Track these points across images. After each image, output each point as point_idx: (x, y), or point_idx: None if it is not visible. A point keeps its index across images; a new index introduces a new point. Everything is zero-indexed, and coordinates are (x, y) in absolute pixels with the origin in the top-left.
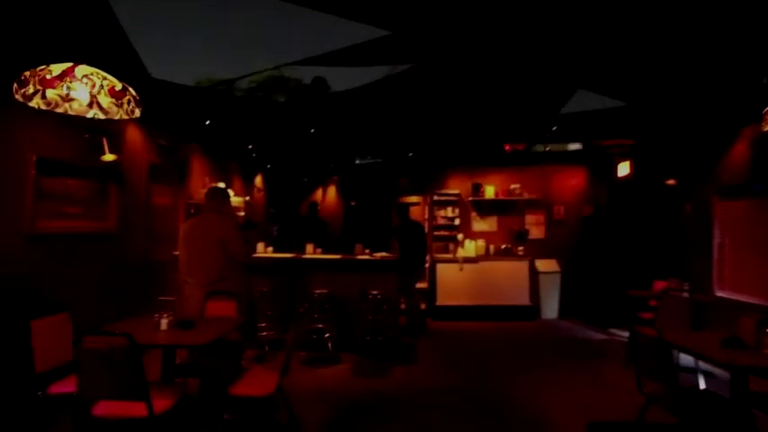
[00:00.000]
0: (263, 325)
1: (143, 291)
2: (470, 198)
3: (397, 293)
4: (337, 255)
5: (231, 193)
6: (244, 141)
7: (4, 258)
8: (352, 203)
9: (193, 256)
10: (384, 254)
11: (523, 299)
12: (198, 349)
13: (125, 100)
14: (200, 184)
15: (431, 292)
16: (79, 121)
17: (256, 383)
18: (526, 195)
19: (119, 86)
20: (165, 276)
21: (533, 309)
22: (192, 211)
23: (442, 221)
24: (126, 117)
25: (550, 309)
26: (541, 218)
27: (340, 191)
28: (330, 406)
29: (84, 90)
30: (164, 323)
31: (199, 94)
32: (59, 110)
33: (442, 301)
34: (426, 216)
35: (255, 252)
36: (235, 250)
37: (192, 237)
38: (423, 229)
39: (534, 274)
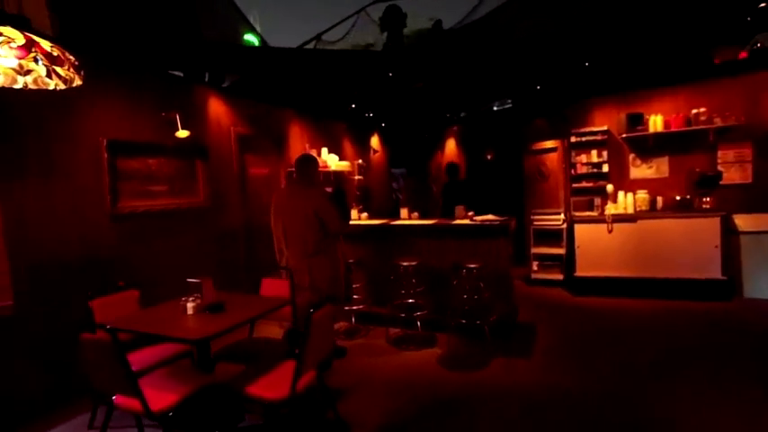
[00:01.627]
0: (356, 297)
1: (246, 260)
2: (624, 135)
3: (504, 266)
4: (433, 219)
5: (334, 158)
6: (348, 100)
7: (90, 240)
8: (489, 157)
9: (290, 228)
10: (490, 216)
11: (712, 270)
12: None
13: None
14: (300, 150)
15: (569, 259)
16: (153, 99)
17: (274, 383)
18: (719, 122)
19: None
20: (264, 244)
21: (728, 284)
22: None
23: (582, 170)
24: (63, 87)
25: (759, 285)
26: (746, 152)
27: (461, 144)
28: (399, 400)
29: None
30: (190, 307)
31: (291, 55)
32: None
33: (583, 271)
34: (563, 164)
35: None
36: (330, 221)
37: (285, 209)
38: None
39: (730, 234)
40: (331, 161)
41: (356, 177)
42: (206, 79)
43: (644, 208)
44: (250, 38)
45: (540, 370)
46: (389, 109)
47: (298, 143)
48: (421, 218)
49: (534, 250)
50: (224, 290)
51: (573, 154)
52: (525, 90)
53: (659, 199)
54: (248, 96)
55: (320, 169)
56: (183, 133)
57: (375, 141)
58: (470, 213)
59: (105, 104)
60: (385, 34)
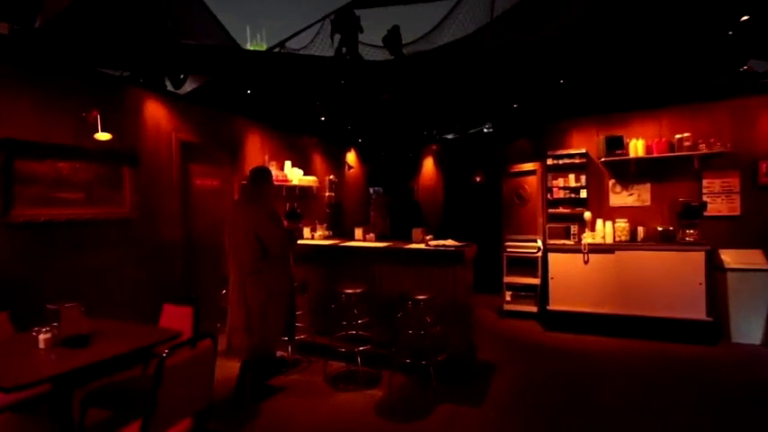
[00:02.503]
0: (298, 325)
1: (184, 279)
2: (604, 159)
3: (461, 297)
4: (386, 242)
5: (299, 172)
6: (314, 111)
7: None
8: (471, 178)
9: (231, 243)
10: (448, 242)
11: (696, 309)
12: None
13: None
14: (258, 162)
15: (543, 291)
16: (74, 98)
17: None
18: (704, 149)
19: None
20: (212, 263)
21: (714, 326)
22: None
23: (559, 194)
24: None
25: (747, 328)
26: (733, 182)
27: (438, 163)
28: None
29: None
30: (42, 340)
31: (251, 59)
32: None
33: (557, 304)
34: (541, 189)
35: (301, 238)
36: (269, 243)
37: (229, 225)
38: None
39: (716, 271)
40: (294, 175)
41: (326, 194)
42: (167, 82)
43: (623, 238)
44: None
45: (492, 425)
46: (363, 123)
47: (256, 155)
48: (380, 239)
49: (507, 279)
50: (137, 313)
51: (549, 177)
52: (503, 108)
53: (640, 229)
54: (200, 102)
55: (282, 183)
56: (102, 136)
57: (351, 157)
58: (428, 237)
59: (3, 99)
60: (337, 38)
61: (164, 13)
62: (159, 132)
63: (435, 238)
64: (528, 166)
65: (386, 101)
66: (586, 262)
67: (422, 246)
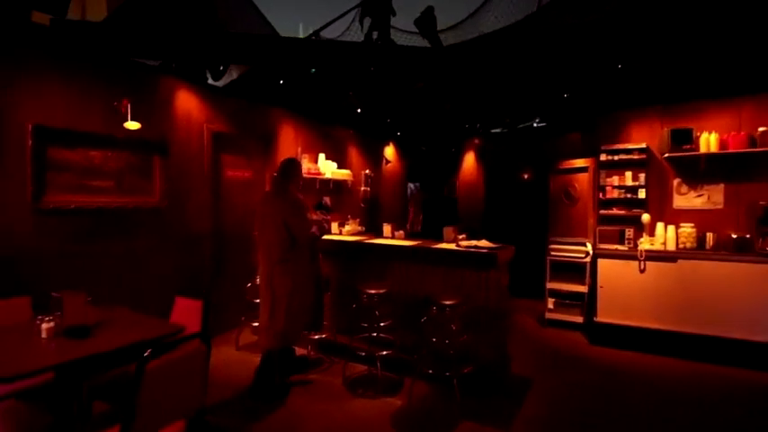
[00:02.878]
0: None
1: (214, 268)
2: (668, 154)
3: (493, 304)
4: (415, 241)
5: (332, 165)
6: (349, 102)
7: (4, 234)
8: (524, 176)
9: (260, 236)
10: (482, 242)
11: None
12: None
13: None
14: (291, 154)
15: (590, 299)
16: (106, 87)
17: None
18: None
19: None
20: (241, 255)
21: None
22: None
23: (613, 194)
24: None
25: None
26: None
27: (480, 158)
28: None
29: None
30: (44, 329)
31: (284, 46)
32: None
33: (606, 316)
34: (594, 187)
35: (329, 232)
36: (296, 231)
37: (259, 215)
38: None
39: None
40: (326, 168)
41: (362, 188)
42: (207, 74)
43: (689, 245)
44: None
45: None
46: (402, 116)
47: (289, 146)
48: (412, 237)
49: (550, 285)
50: (162, 303)
51: (603, 175)
52: (552, 100)
53: (709, 236)
54: (234, 93)
55: (315, 176)
56: (132, 125)
57: (390, 151)
58: (461, 237)
59: (34, 87)
60: (368, 22)
61: (212, 5)
62: (190, 123)
63: (470, 238)
64: (579, 163)
65: (424, 92)
66: (642, 270)
67: (452, 246)
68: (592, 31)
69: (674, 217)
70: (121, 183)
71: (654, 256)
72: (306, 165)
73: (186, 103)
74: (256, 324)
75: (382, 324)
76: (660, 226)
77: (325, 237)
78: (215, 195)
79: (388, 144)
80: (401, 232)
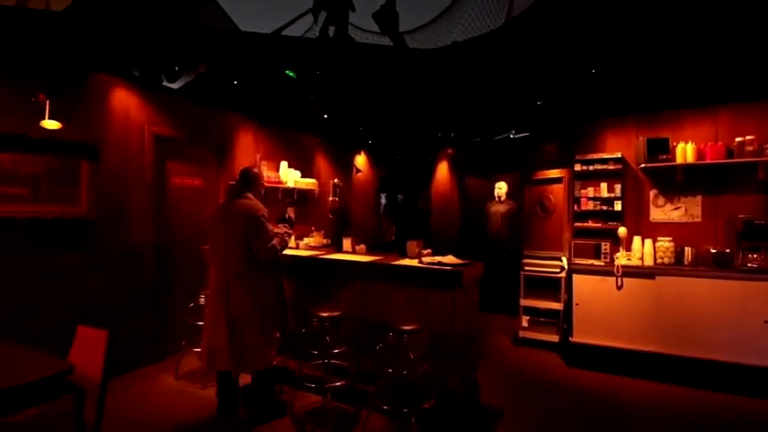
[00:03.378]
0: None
1: (155, 286)
2: (644, 165)
3: (459, 328)
4: (375, 256)
5: (295, 174)
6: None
7: None
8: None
9: (213, 248)
10: (447, 258)
11: (759, 354)
12: None
13: None
14: (249, 162)
15: (566, 318)
16: (23, 82)
17: None
18: None
19: None
20: (189, 270)
21: None
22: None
23: (588, 206)
24: None
25: None
26: None
27: (454, 168)
28: None
29: None
30: None
31: (242, 41)
32: None
33: (582, 335)
34: (567, 197)
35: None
36: (257, 245)
37: (213, 225)
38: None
39: None
40: (289, 177)
41: (330, 198)
42: (163, 76)
43: (667, 260)
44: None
45: None
46: (372, 123)
47: (247, 153)
48: (375, 252)
49: (524, 302)
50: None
51: (578, 186)
52: (525, 107)
53: (688, 250)
54: (184, 94)
55: (276, 185)
56: (50, 124)
57: (361, 160)
58: (426, 252)
59: None
60: (323, 17)
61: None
62: (129, 124)
63: (438, 253)
64: (554, 173)
65: (392, 97)
66: (620, 287)
67: (413, 262)
68: (566, 33)
69: (652, 230)
70: (38, 190)
71: (631, 271)
72: (266, 173)
73: (123, 102)
74: (199, 349)
75: (336, 351)
76: (637, 240)
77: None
78: (158, 205)
79: (360, 153)
80: (362, 246)
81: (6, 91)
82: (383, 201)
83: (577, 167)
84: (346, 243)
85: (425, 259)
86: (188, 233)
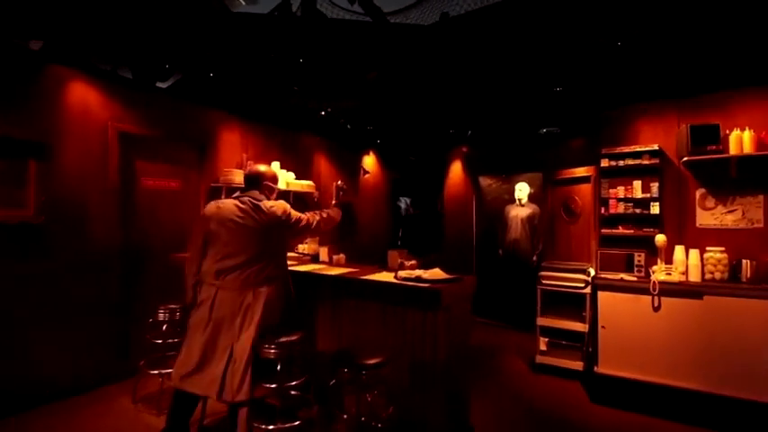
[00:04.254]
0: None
1: (123, 297)
2: (687, 158)
3: (442, 359)
4: (354, 267)
5: (289, 176)
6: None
7: None
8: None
9: (216, 251)
10: (433, 272)
11: None
12: None
13: None
14: (233, 163)
15: (591, 343)
16: None
17: None
18: None
19: None
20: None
21: None
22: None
23: (619, 208)
24: None
25: None
26: None
27: (468, 168)
28: None
29: None
30: None
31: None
32: None
33: (609, 366)
34: (593, 198)
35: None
36: (303, 224)
37: (214, 224)
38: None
39: None
40: (282, 179)
41: (333, 203)
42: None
43: (718, 276)
44: None
45: None
46: (377, 119)
47: (233, 153)
48: (358, 263)
49: (542, 321)
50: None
51: (605, 185)
52: (542, 94)
53: (746, 263)
54: (154, 88)
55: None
56: None
57: (370, 161)
58: (409, 263)
59: None
60: None
61: None
62: (88, 121)
63: (429, 265)
64: (580, 172)
65: (391, 87)
66: (657, 308)
67: (388, 278)
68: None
69: (698, 238)
70: None
71: (672, 289)
72: None
73: (82, 97)
74: (158, 371)
75: (294, 383)
76: (679, 250)
77: None
78: (126, 208)
79: (368, 153)
80: (341, 256)
81: None
82: (402, 205)
83: (604, 163)
84: (322, 252)
85: (401, 273)
86: (163, 240)
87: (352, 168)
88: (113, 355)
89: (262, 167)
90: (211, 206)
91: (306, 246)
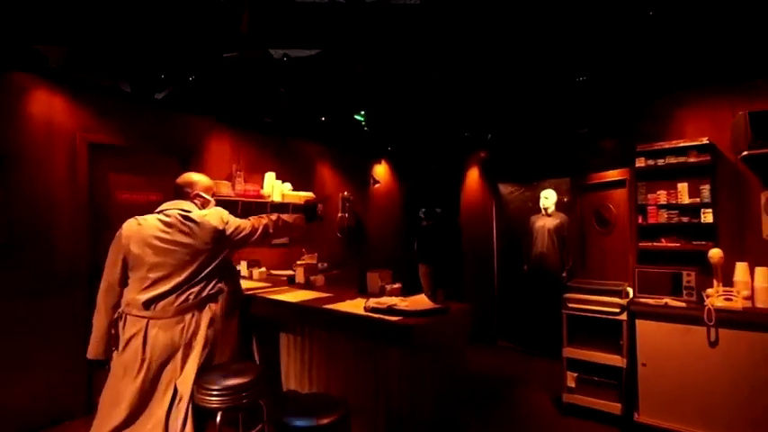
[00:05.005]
0: None
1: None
2: (748, 152)
3: (423, 413)
4: (328, 292)
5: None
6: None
7: None
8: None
9: (140, 273)
10: (414, 300)
11: None
12: None
13: None
14: (222, 173)
15: (629, 385)
16: None
17: None
18: None
19: None
20: None
21: None
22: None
23: (661, 217)
24: None
25: None
26: None
27: (485, 175)
28: None
29: None
30: None
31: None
32: None
33: (651, 413)
34: (628, 205)
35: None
36: (243, 231)
37: (136, 248)
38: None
39: None
40: (274, 190)
41: (339, 215)
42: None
43: None
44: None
45: None
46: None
47: (223, 164)
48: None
49: (569, 352)
50: None
51: (642, 189)
52: (564, 86)
53: None
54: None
55: (252, 200)
56: None
57: (382, 170)
58: (391, 287)
59: None
60: None
61: None
62: (52, 132)
63: (436, 287)
64: (613, 175)
65: (389, 86)
66: (713, 343)
67: (352, 308)
68: None
69: (766, 253)
70: None
71: (734, 319)
72: (241, 186)
73: (45, 106)
74: None
75: None
76: (741, 268)
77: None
78: (96, 226)
79: (379, 162)
80: (319, 277)
81: None
82: (422, 216)
83: (640, 163)
84: (299, 272)
85: (371, 302)
86: None
87: (361, 178)
88: (79, 388)
89: (194, 176)
90: (130, 224)
91: (302, 260)
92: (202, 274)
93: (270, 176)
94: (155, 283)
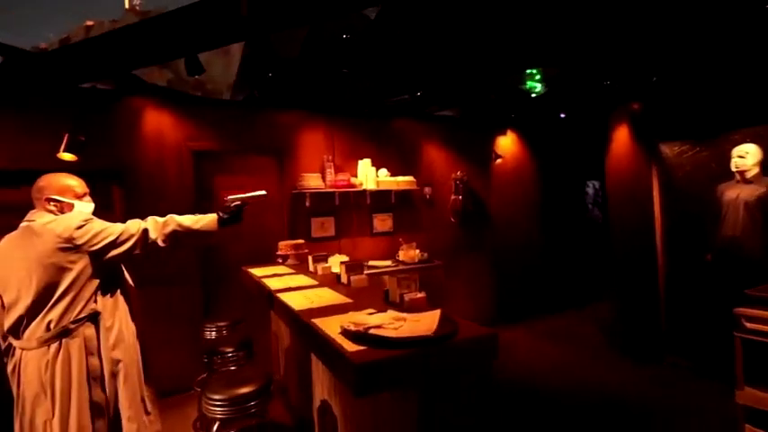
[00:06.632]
0: None
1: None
2: None
3: None
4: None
5: (380, 172)
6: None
7: None
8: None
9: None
10: (415, 316)
11: None
12: None
13: None
14: (315, 165)
15: None
16: (52, 119)
17: None
18: None
19: None
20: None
21: None
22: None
23: None
24: None
25: None
26: None
27: (639, 135)
28: None
29: None
30: None
31: None
32: None
33: None
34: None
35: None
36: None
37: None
38: None
39: None
40: (368, 177)
41: (452, 198)
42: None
43: None
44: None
45: None
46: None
47: (317, 154)
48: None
49: (744, 397)
50: None
51: None
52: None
53: None
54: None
55: (344, 189)
56: (66, 156)
57: (507, 143)
58: (416, 296)
59: None
60: None
61: None
62: (164, 144)
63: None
64: None
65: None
66: None
67: (348, 324)
68: None
69: None
70: None
71: None
72: (331, 176)
73: (156, 122)
74: None
75: None
76: None
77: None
78: None
79: (503, 133)
80: (363, 277)
81: (40, 129)
82: (590, 191)
83: None
84: (342, 272)
85: (354, 318)
86: (242, 252)
87: (479, 154)
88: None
89: (45, 178)
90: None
91: (402, 252)
92: (57, 295)
93: (364, 164)
94: (10, 307)
